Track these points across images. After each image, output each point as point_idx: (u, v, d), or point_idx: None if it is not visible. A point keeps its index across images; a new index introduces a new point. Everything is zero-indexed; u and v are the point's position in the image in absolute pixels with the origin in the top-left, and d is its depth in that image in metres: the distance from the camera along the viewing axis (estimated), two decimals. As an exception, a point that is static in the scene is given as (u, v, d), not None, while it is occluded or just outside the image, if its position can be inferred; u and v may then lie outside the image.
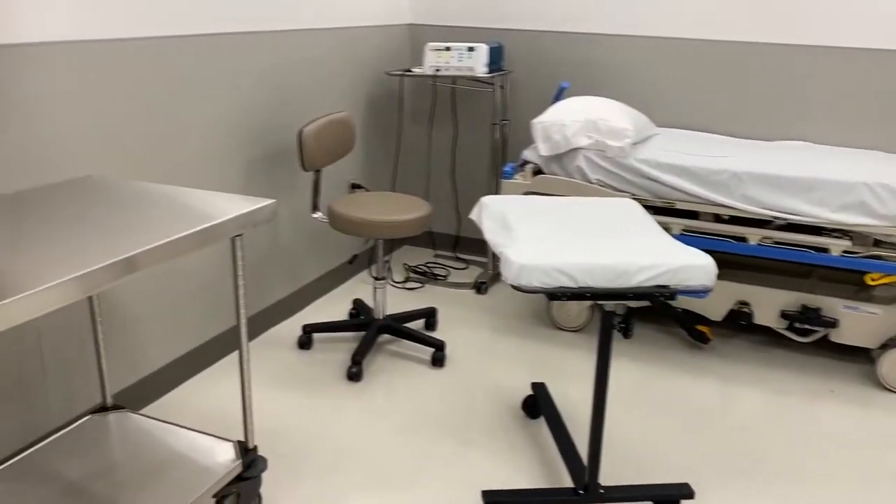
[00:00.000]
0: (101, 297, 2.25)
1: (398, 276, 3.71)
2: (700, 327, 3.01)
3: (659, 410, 2.57)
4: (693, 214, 2.87)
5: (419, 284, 3.62)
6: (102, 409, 2.15)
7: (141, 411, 2.44)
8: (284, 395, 2.60)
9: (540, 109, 3.61)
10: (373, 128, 3.65)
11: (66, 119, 2.07)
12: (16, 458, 1.91)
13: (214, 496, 1.94)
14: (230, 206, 1.77)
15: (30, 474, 1.86)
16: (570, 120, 2.92)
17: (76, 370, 2.21)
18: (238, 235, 1.77)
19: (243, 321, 1.87)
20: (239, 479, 1.94)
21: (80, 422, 2.08)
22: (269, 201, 1.82)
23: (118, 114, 2.23)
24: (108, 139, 2.21)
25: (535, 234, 1.93)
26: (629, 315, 1.96)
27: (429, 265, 3.86)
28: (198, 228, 1.61)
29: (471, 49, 3.33)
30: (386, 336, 3.06)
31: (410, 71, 3.50)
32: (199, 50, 2.49)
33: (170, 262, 2.50)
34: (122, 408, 2.15)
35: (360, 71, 3.47)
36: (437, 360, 2.83)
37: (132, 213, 1.71)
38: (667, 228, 2.86)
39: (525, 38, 3.59)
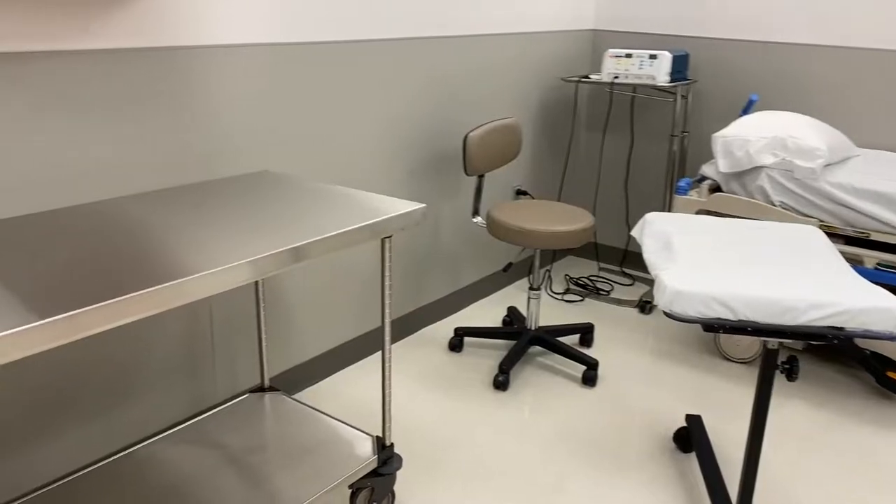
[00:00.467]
0: (266, 285, 2.40)
1: (558, 287, 3.63)
2: (892, 374, 2.67)
3: (832, 463, 2.30)
4: (892, 247, 2.55)
5: (579, 298, 3.52)
6: (260, 389, 2.28)
7: (293, 395, 2.57)
8: (429, 395, 2.62)
9: (724, 123, 3.38)
10: (543, 134, 3.60)
11: (248, 117, 2.21)
12: (184, 425, 2.08)
13: (350, 487, 1.99)
14: (384, 208, 1.81)
15: (194, 441, 2.01)
16: (755, 136, 2.71)
17: (241, 351, 2.37)
18: (388, 237, 1.80)
19: (387, 320, 1.90)
20: (374, 473, 1.98)
21: (239, 399, 2.23)
22: (420, 205, 1.83)
23: (294, 114, 2.35)
24: (283, 137, 2.34)
25: (697, 258, 1.79)
26: (794, 356, 1.77)
27: (592, 279, 3.75)
28: (353, 227, 1.66)
29: (653, 56, 3.18)
30: (537, 348, 3.01)
31: (588, 77, 3.41)
32: (375, 54, 2.58)
33: (329, 256, 2.61)
34: (277, 390, 2.28)
35: (536, 76, 3.43)
36: (589, 379, 2.73)
37: (299, 207, 1.79)
38: (858, 261, 2.57)
39: (713, 46, 3.37)
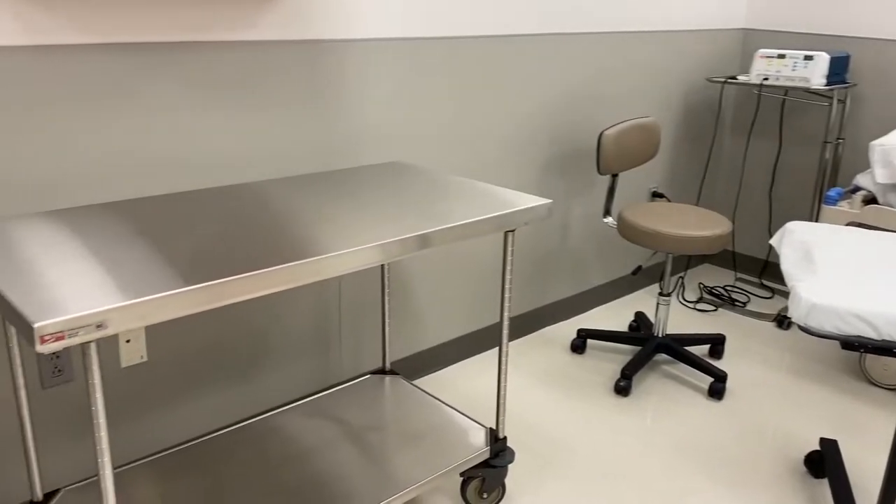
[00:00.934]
0: (391, 272, 2.47)
1: (691, 296, 3.50)
2: None
3: None
4: None
5: (712, 307, 3.38)
6: (381, 371, 2.36)
7: (412, 381, 2.64)
8: (547, 395, 2.61)
9: (884, 130, 3.13)
10: (683, 136, 3.48)
11: (385, 109, 2.29)
12: (309, 399, 2.19)
13: (461, 475, 2.03)
14: (510, 201, 1.82)
15: (317, 415, 2.11)
16: (919, 144, 2.49)
17: (366, 334, 2.46)
18: (511, 231, 1.81)
19: (506, 314, 1.91)
20: (486, 464, 2.00)
21: (362, 379, 2.31)
22: (546, 201, 1.83)
23: (430, 107, 2.41)
24: (417, 129, 2.40)
25: (839, 272, 1.68)
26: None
27: (727, 289, 3.58)
28: (476, 219, 1.68)
29: (808, 58, 3.00)
30: (663, 355, 2.92)
31: (735, 78, 3.26)
32: (512, 50, 2.59)
33: (454, 248, 2.65)
34: (398, 374, 2.35)
35: (679, 76, 3.32)
36: (716, 392, 2.62)
37: (427, 197, 1.84)
38: None
39: (877, 47, 3.13)
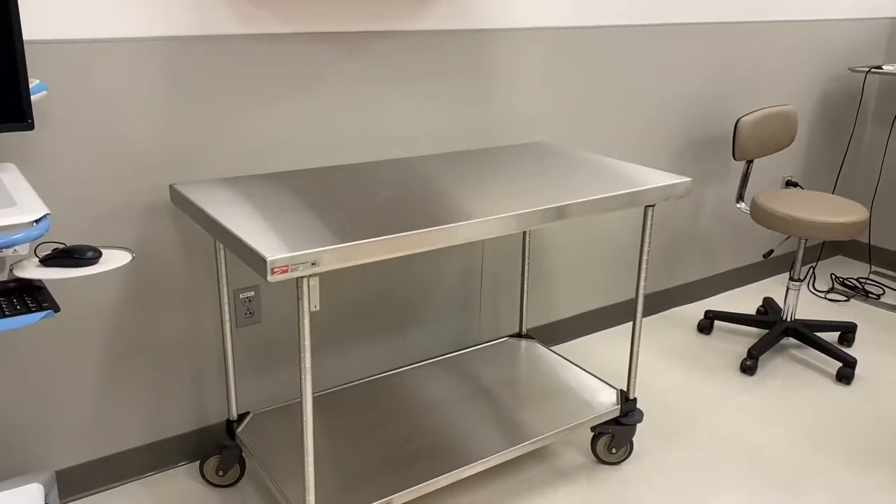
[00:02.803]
0: (531, 242, 2.67)
1: (822, 286, 3.50)
2: None
3: None
4: None
5: (844, 298, 3.37)
6: (518, 335, 2.57)
7: (550, 346, 2.83)
8: (673, 371, 2.73)
9: None
10: (821, 125, 3.47)
11: (532, 94, 2.48)
12: (450, 356, 2.42)
13: (592, 429, 2.20)
14: (651, 178, 1.97)
15: (456, 371, 2.34)
16: None
17: (504, 300, 2.67)
18: (651, 206, 1.96)
19: (642, 283, 2.06)
20: (616, 422, 2.16)
21: (499, 341, 2.53)
22: (685, 179, 1.97)
23: (573, 92, 2.58)
24: (561, 113, 2.58)
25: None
26: None
27: (861, 280, 3.55)
28: (616, 193, 1.85)
29: (960, 47, 2.94)
30: (791, 340, 2.96)
31: (880, 68, 3.23)
32: (653, 38, 2.71)
33: (592, 223, 2.81)
34: (533, 338, 2.55)
35: (820, 65, 3.32)
36: (844, 377, 2.66)
37: (569, 173, 2.02)
38: None
39: None
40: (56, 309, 1.28)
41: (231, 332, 2.02)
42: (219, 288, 1.92)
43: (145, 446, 2.05)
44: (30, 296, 1.31)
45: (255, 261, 1.41)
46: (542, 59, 2.47)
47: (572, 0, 2.47)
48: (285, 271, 1.39)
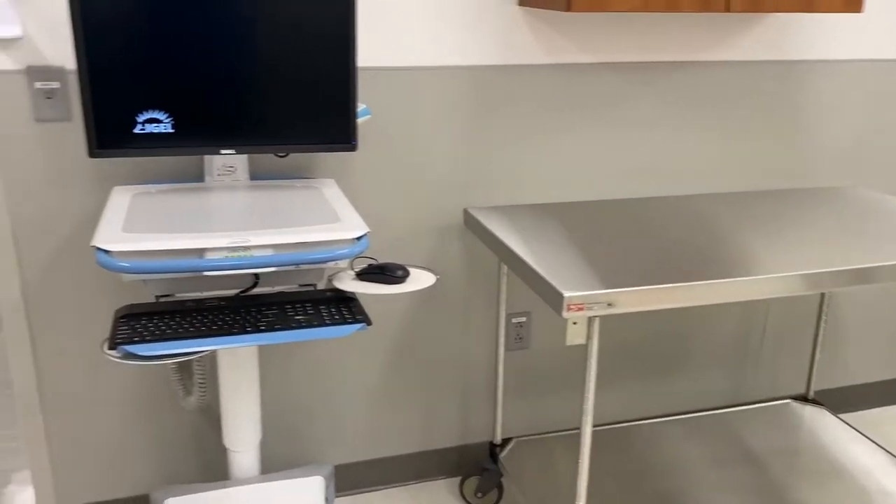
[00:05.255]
0: (829, 297, 2.39)
1: None
2: None
3: None
4: None
5: None
6: (802, 398, 2.31)
7: (838, 414, 2.52)
8: None
9: None
10: None
11: (845, 131, 2.23)
12: (719, 411, 2.24)
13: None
14: None
15: (726, 430, 2.15)
16: None
17: (788, 356, 2.42)
18: None
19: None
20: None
21: (778, 402, 2.29)
22: None
23: (883, 129, 2.27)
24: (877, 153, 2.28)
25: None
26: None
27: None
28: (962, 255, 1.58)
29: None
30: None
31: None
32: None
33: (904, 284, 2.46)
34: (821, 404, 2.27)
35: None
36: None
37: (882, 226, 1.77)
38: None
39: None
40: (368, 322, 1.36)
41: (503, 355, 2.04)
42: (497, 312, 1.94)
43: (412, 455, 2.13)
44: (345, 307, 1.41)
45: (550, 294, 1.39)
46: (861, 94, 2.21)
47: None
48: (581, 309, 1.36)
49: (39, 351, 1.75)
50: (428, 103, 1.84)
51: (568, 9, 1.58)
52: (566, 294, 1.34)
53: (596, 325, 1.42)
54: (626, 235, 1.68)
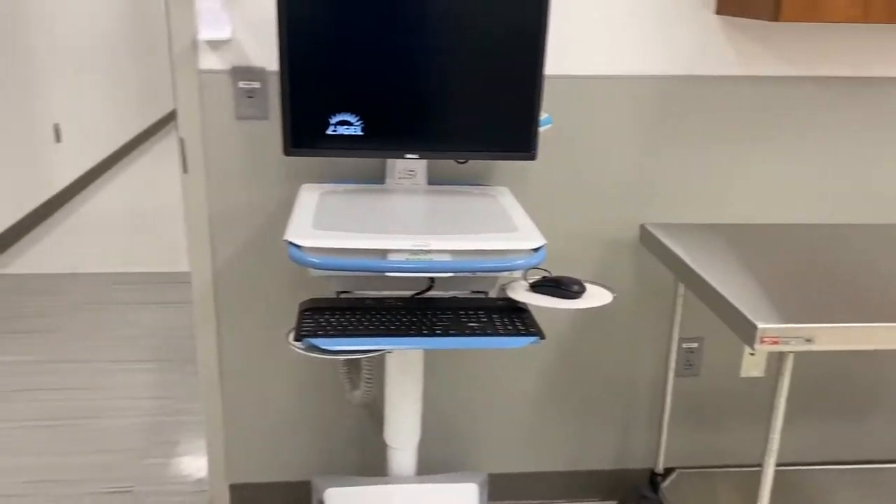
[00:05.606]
0: None
1: None
2: None
3: None
4: None
5: None
6: None
7: None
8: None
9: None
10: None
11: None
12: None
13: None
14: None
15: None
16: None
17: None
18: None
19: None
20: None
21: None
22: None
23: None
24: None
25: None
26: None
27: None
28: None
29: None
30: None
31: None
32: None
33: None
34: None
35: None
36: None
37: None
38: None
39: None
40: (542, 336, 1.33)
41: (672, 380, 1.94)
42: (670, 334, 1.85)
43: (565, 472, 2.08)
44: (518, 318, 1.38)
45: (738, 323, 1.29)
46: None
47: None
48: (775, 342, 1.25)
49: (223, 333, 1.86)
50: (609, 113, 1.78)
51: (776, 18, 1.47)
52: (760, 326, 1.24)
53: (790, 361, 1.31)
54: (821, 264, 1.54)
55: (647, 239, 1.77)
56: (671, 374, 1.87)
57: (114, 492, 2.12)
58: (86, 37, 5.10)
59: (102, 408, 2.52)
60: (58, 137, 4.59)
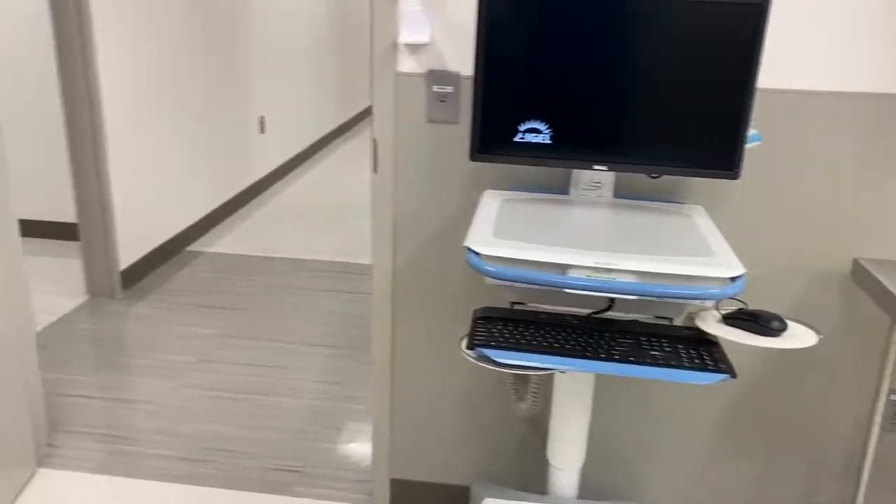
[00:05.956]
0: None
1: None
2: None
3: None
4: None
5: None
6: None
7: None
8: None
9: None
10: None
11: None
12: None
13: None
14: None
15: None
16: None
17: None
18: None
19: None
20: None
21: None
22: None
23: None
24: None
25: None
26: None
27: None
28: None
29: None
30: None
31: None
32: None
33: None
34: None
35: None
36: None
37: None
38: None
39: None
40: (733, 374, 1.21)
41: (876, 435, 1.72)
42: (879, 383, 1.64)
43: (740, 519, 1.92)
44: (706, 352, 1.28)
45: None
46: None
47: None
48: None
49: (398, 328, 1.89)
50: (825, 133, 1.61)
51: None
52: None
53: None
54: None
55: (860, 275, 1.58)
56: (876, 429, 1.66)
57: (284, 470, 2.23)
58: (292, 35, 5.45)
59: (278, 386, 2.67)
60: (262, 129, 4.94)
